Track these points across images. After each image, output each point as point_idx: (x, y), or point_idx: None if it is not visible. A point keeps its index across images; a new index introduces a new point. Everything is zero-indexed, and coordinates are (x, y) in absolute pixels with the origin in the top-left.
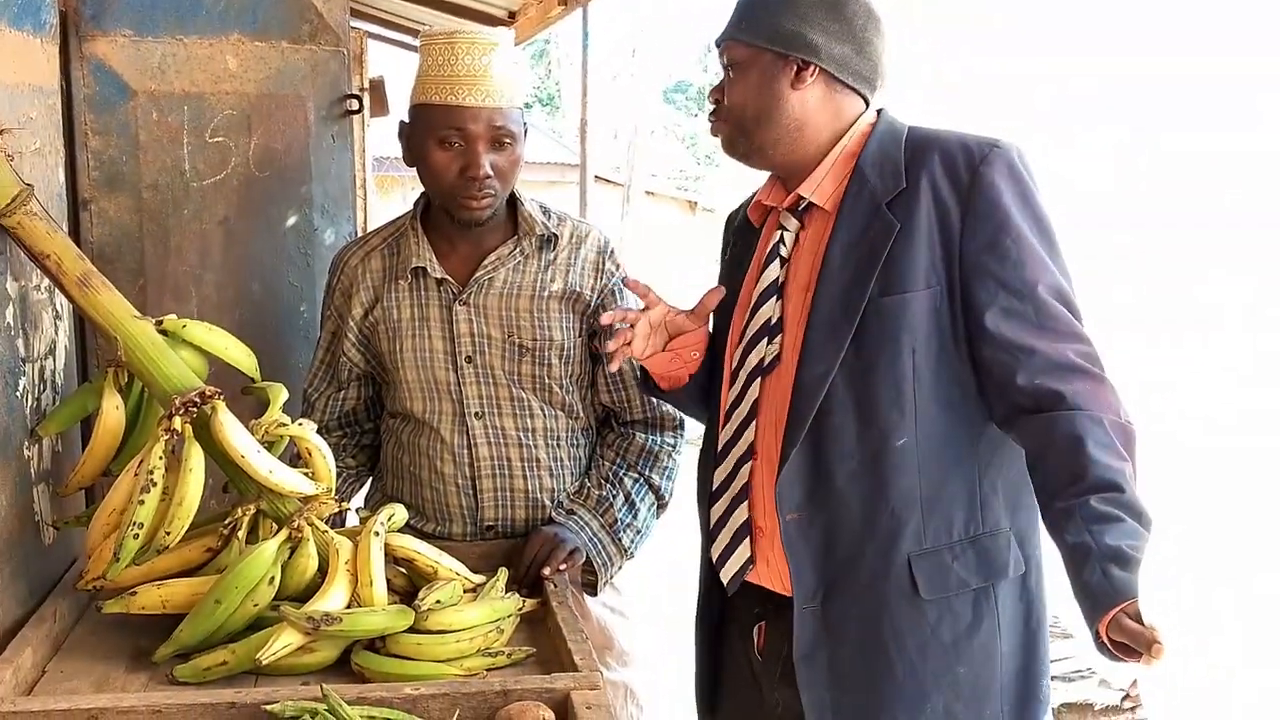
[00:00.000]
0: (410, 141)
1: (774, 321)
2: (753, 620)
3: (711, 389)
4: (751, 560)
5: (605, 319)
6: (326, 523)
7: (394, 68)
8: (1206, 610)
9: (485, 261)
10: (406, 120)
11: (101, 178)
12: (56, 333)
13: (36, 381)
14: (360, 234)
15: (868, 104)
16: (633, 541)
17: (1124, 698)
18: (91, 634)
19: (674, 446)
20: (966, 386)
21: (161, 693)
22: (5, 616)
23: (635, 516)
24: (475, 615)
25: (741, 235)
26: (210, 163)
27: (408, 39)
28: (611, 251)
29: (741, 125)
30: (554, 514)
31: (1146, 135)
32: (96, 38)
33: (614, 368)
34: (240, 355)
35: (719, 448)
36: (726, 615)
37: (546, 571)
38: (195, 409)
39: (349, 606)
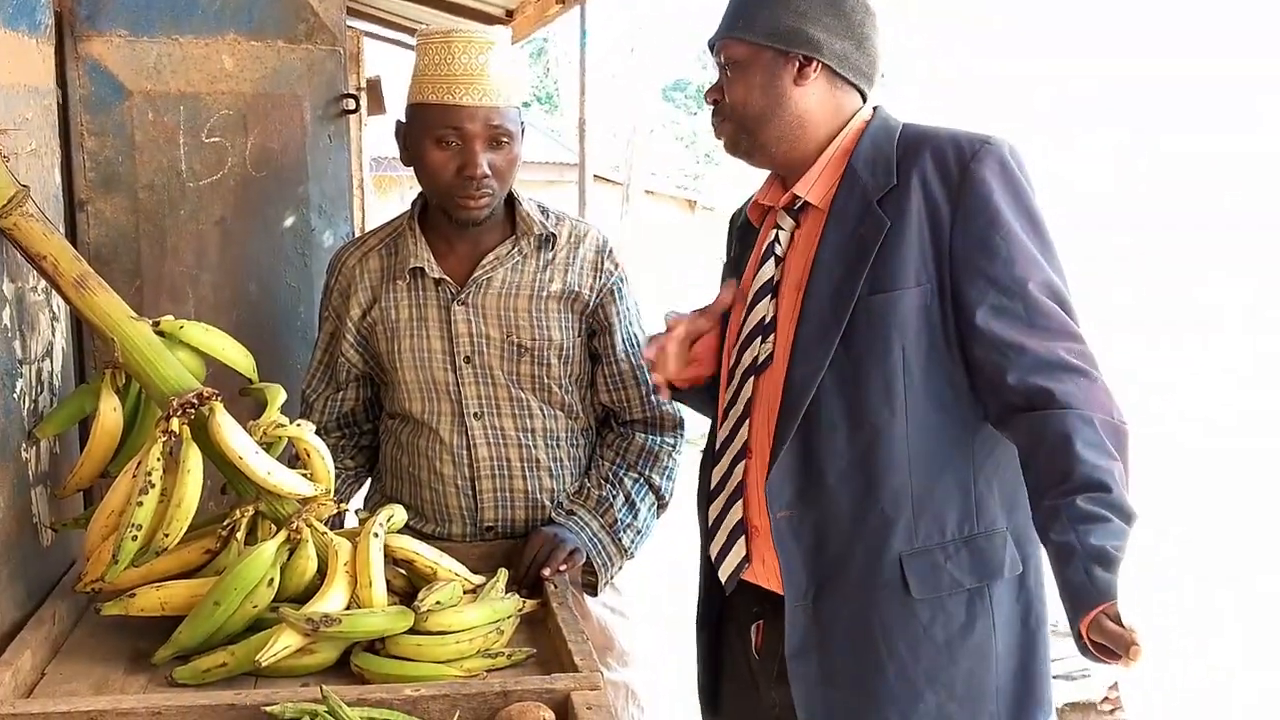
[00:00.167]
0: (407, 141)
1: (768, 320)
2: (750, 619)
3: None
4: (747, 559)
5: (647, 354)
6: (325, 524)
7: (391, 67)
8: (1207, 611)
9: (483, 261)
10: (403, 120)
11: (98, 178)
12: (53, 334)
13: (34, 383)
14: (358, 234)
15: (865, 99)
16: (633, 542)
17: (1103, 699)
18: (90, 636)
19: (674, 446)
20: (959, 385)
21: (161, 695)
22: (4, 619)
23: (635, 517)
24: (475, 616)
25: (743, 235)
26: (207, 163)
27: (404, 38)
28: (610, 251)
29: (744, 124)
30: (554, 514)
31: (1146, 136)
32: (92, 38)
33: (665, 397)
34: (238, 356)
35: (716, 446)
36: (726, 614)
37: (546, 572)
38: (193, 410)
39: (348, 608)
